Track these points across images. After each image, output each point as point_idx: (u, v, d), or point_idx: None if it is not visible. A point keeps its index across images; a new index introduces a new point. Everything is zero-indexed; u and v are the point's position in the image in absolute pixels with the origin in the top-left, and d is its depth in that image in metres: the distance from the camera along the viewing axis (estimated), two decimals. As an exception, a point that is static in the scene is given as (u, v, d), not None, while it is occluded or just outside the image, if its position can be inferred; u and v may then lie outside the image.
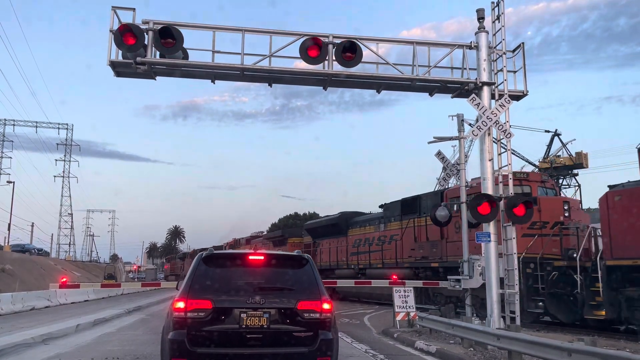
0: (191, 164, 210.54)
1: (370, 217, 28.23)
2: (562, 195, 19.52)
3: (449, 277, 14.40)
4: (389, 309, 17.42)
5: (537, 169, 76.64)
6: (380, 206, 26.36)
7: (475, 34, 12.35)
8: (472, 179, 17.48)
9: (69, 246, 77.71)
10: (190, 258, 74.56)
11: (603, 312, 13.13)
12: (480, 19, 12.26)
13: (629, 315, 12.59)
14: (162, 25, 11.15)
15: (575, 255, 14.08)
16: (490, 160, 11.89)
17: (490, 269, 11.54)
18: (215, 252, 7.14)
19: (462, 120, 14.72)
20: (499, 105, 11.83)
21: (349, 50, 11.57)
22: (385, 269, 23.06)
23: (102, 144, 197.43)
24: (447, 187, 20.69)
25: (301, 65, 11.99)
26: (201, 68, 11.96)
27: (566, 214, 16.46)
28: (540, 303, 14.89)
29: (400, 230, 23.34)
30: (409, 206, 23.09)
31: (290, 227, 53.27)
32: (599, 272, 13.14)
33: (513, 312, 11.40)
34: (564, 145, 76.71)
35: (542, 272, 15.00)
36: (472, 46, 12.32)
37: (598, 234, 14.26)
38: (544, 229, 16.00)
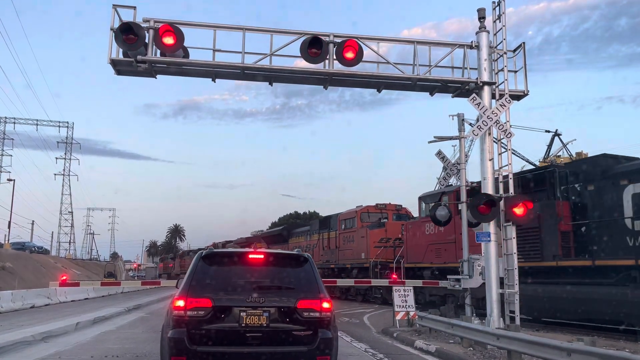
0: (191, 162, 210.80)
1: (303, 230, 36.65)
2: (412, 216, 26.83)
3: (448, 276, 14.40)
4: (388, 309, 17.43)
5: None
6: (311, 222, 35.90)
7: (476, 33, 12.34)
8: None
9: (69, 244, 77.75)
10: (180, 258, 77.93)
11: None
12: (481, 18, 12.25)
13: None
14: (162, 24, 11.15)
15: (395, 259, 22.65)
16: (490, 160, 11.89)
17: (490, 268, 11.54)
18: (214, 250, 7.14)
19: (463, 119, 14.71)
20: (500, 105, 11.82)
21: (350, 50, 11.56)
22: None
23: (103, 142, 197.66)
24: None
25: (302, 64, 11.98)
26: (202, 67, 11.96)
27: (402, 233, 23.96)
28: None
29: (317, 241, 32.30)
30: (323, 223, 32.48)
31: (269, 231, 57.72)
32: (402, 269, 22.08)
33: (513, 312, 11.40)
34: (564, 145, 76.65)
35: (384, 271, 23.48)
36: (473, 46, 12.31)
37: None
38: (388, 242, 24.86)
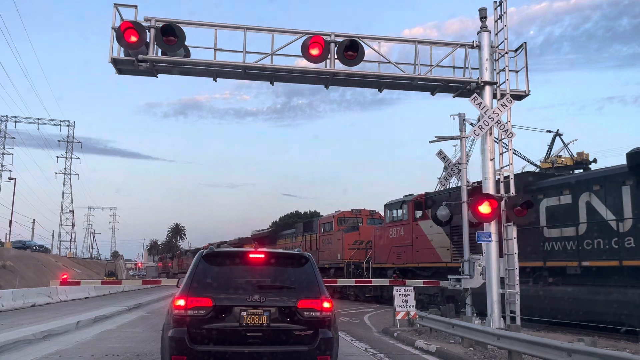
0: (192, 161, 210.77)
1: (289, 232, 38.47)
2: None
3: (449, 276, 14.40)
4: (389, 308, 17.42)
5: (538, 169, 76.51)
6: (296, 225, 38.22)
7: (478, 33, 12.33)
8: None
9: (70, 243, 77.72)
10: (178, 258, 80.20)
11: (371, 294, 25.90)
12: (483, 18, 12.24)
13: (381, 293, 24.74)
14: (164, 23, 11.15)
15: (366, 260, 26.20)
16: (491, 159, 11.88)
17: (491, 268, 11.53)
18: (215, 250, 7.13)
19: (464, 119, 14.70)
20: (501, 104, 11.81)
21: (351, 49, 11.55)
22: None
23: (104, 141, 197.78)
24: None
25: (303, 63, 11.98)
26: (203, 66, 11.95)
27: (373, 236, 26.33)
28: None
29: (301, 242, 33.58)
30: (306, 226, 35.08)
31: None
32: (370, 269, 25.43)
33: (513, 312, 11.40)
34: (565, 145, 76.42)
35: (357, 270, 26.80)
36: (474, 45, 12.30)
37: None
38: (361, 245, 27.54)
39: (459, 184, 15.88)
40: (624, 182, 13.00)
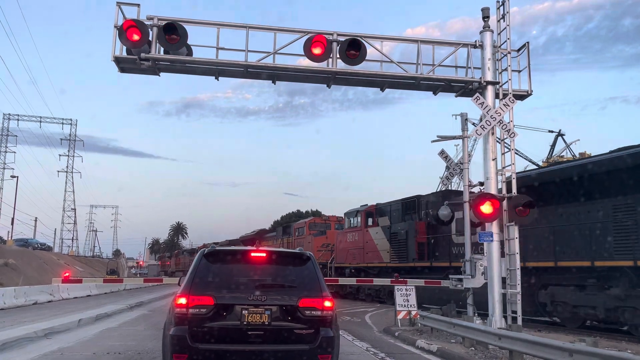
0: (194, 160, 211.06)
1: (272, 235, 42.66)
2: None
3: (450, 276, 14.38)
4: (390, 308, 17.42)
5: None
6: (277, 229, 43.09)
7: (480, 32, 12.32)
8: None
9: (72, 241, 77.83)
10: (175, 257, 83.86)
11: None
12: (485, 17, 12.23)
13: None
14: (166, 22, 11.17)
15: (330, 260, 29.24)
16: (493, 159, 11.87)
17: (493, 268, 11.52)
18: (217, 248, 7.13)
19: (466, 119, 14.66)
20: (503, 104, 11.80)
21: (353, 48, 11.55)
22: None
23: (106, 139, 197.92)
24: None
25: (305, 62, 11.99)
26: (205, 64, 11.97)
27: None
28: None
29: (280, 244, 36.53)
30: (284, 230, 39.01)
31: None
32: (333, 269, 28.77)
33: (515, 312, 11.39)
34: (567, 145, 76.41)
35: (324, 269, 27.38)
36: (477, 45, 12.29)
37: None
38: (328, 247, 30.40)
39: (461, 184, 15.87)
40: None
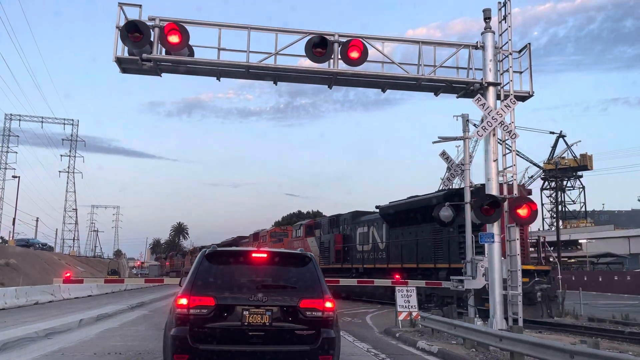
0: (195, 160, 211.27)
1: (245, 240, 46.69)
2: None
3: (451, 277, 14.36)
4: (391, 309, 17.41)
5: (541, 170, 76.18)
6: (250, 235, 46.58)
7: (482, 34, 12.32)
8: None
9: (73, 241, 78.03)
10: (170, 259, 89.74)
11: None
12: (487, 19, 12.23)
13: None
14: (168, 22, 11.17)
15: None
16: (494, 160, 11.86)
17: (494, 269, 11.51)
18: (218, 249, 7.12)
19: (467, 120, 14.67)
20: (505, 105, 11.80)
21: (355, 49, 11.55)
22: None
23: (107, 139, 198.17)
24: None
25: (306, 63, 11.99)
26: (207, 65, 11.98)
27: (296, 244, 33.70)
28: None
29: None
30: (254, 237, 43.24)
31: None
32: None
33: (516, 314, 11.38)
34: (568, 147, 76.12)
35: None
36: (478, 46, 12.29)
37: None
38: None
39: (462, 185, 15.87)
40: (382, 222, 25.47)
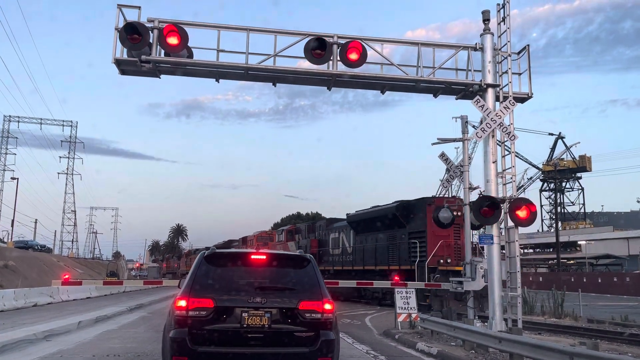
0: (194, 162, 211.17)
1: (235, 244, 47.55)
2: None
3: (451, 278, 14.37)
4: (390, 310, 17.39)
5: (540, 172, 76.25)
6: (239, 239, 48.24)
7: (481, 35, 12.33)
8: None
9: (72, 243, 77.93)
10: (166, 261, 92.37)
11: None
12: (486, 20, 12.24)
13: None
14: (167, 24, 11.16)
15: None
16: (494, 162, 11.87)
17: (493, 271, 11.51)
18: (217, 251, 7.11)
19: (466, 122, 14.66)
20: (504, 107, 11.80)
21: (354, 51, 11.55)
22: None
23: (106, 141, 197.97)
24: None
25: (305, 65, 11.98)
26: (206, 67, 11.97)
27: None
28: None
29: None
30: (243, 240, 45.57)
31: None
32: None
33: (515, 315, 11.36)
34: (567, 148, 76.24)
35: None
36: (477, 48, 12.30)
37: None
38: None
39: (461, 187, 15.87)
40: (350, 229, 28.57)
